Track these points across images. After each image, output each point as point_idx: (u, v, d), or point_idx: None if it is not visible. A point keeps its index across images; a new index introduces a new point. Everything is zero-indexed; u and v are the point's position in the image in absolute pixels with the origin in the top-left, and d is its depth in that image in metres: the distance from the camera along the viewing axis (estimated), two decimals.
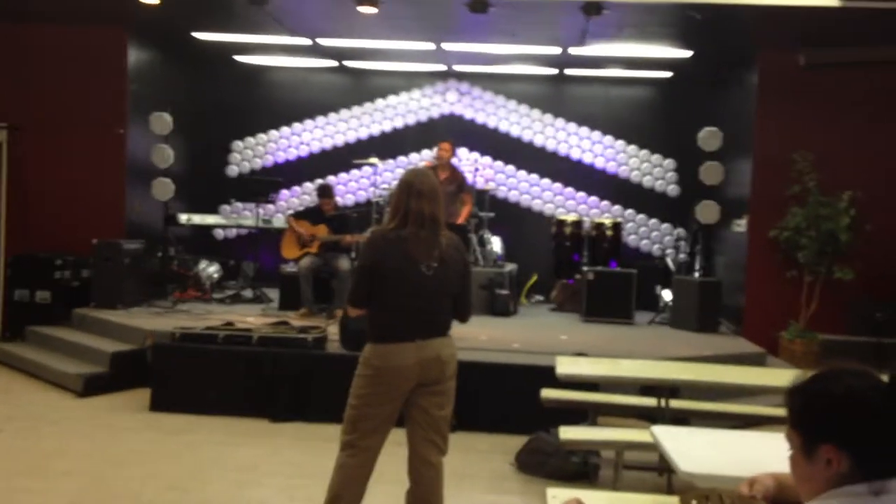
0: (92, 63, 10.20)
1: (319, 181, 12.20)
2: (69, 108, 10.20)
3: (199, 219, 11.42)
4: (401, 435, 4.12)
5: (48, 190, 10.18)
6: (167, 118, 10.15)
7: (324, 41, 10.63)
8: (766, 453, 2.68)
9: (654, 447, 4.31)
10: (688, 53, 10.26)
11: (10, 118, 10.09)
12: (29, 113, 10.15)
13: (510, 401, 6.89)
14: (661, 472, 5.60)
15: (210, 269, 10.72)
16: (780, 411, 6.15)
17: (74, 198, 10.15)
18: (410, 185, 4.09)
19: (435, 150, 10.43)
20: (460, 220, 10.03)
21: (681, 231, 11.72)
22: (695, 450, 3.50)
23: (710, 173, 9.66)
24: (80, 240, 9.62)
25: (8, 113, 10.10)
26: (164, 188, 10.21)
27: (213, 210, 12.35)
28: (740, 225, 10.04)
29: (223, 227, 12.37)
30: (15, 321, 9.40)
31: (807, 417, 1.92)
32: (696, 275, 10.09)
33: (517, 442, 6.21)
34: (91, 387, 7.67)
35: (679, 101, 11.89)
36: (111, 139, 10.20)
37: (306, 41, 10.62)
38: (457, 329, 4.21)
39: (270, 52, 11.67)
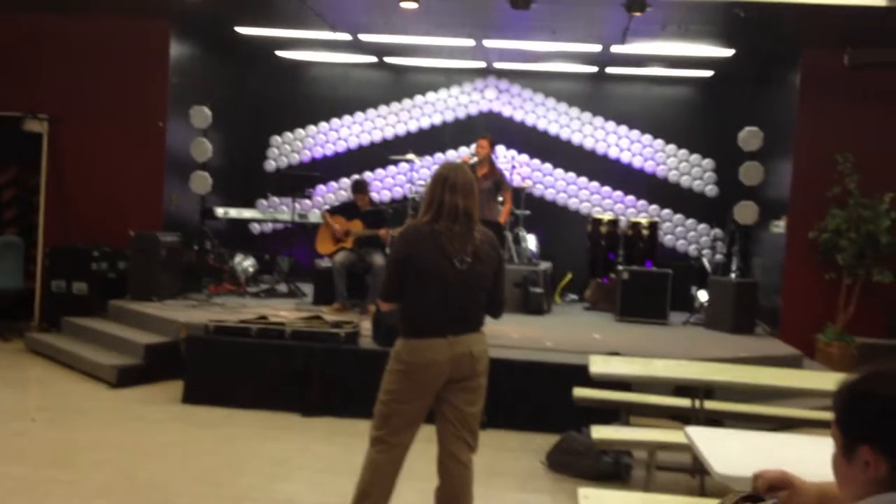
0: (134, 55, 10.27)
1: (356, 177, 12.23)
2: (110, 100, 10.28)
3: (235, 213, 11.50)
4: (431, 431, 4.10)
5: (87, 181, 10.27)
6: (207, 112, 10.21)
7: (364, 37, 10.63)
8: (803, 456, 2.62)
9: (687, 448, 4.26)
10: (729, 52, 10.13)
11: (51, 109, 10.22)
12: (70, 104, 10.26)
13: (542, 399, 6.85)
14: (694, 473, 5.53)
15: (245, 263, 10.76)
16: (817, 414, 6.09)
17: (113, 190, 10.23)
18: (445, 178, 4.04)
19: (473, 146, 10.40)
20: (502, 219, 10.01)
21: (718, 232, 11.58)
22: (730, 452, 3.43)
23: (750, 174, 9.54)
24: (118, 232, 9.72)
25: (49, 104, 10.22)
26: (202, 182, 10.27)
27: (249, 204, 12.41)
28: (779, 226, 9.90)
29: (259, 221, 12.43)
30: (51, 312, 9.52)
31: (848, 417, 1.87)
32: (733, 276, 9.96)
33: (548, 440, 6.17)
34: (124, 378, 7.72)
35: (719, 101, 11.76)
36: (151, 132, 10.27)
37: (347, 37, 10.62)
38: (489, 326, 4.17)
39: (311, 47, 11.70)
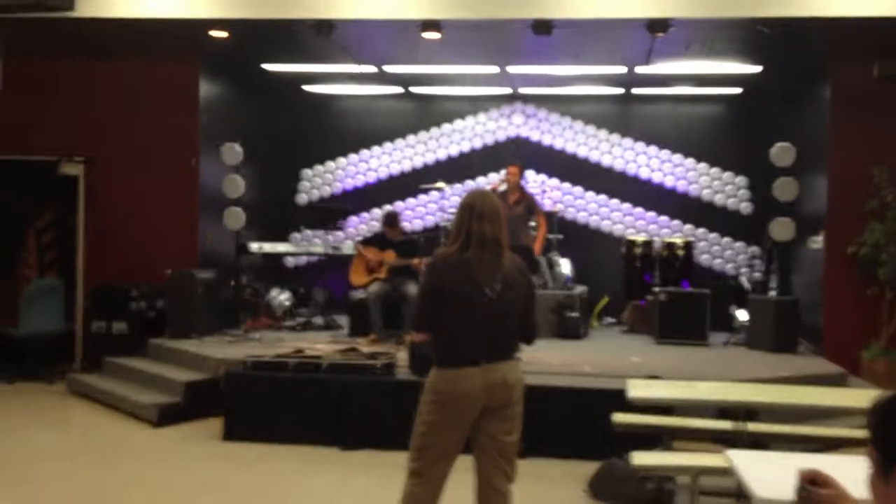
0: (165, 96, 10.40)
1: (388, 207, 12.28)
2: (143, 140, 10.40)
3: (269, 247, 11.55)
4: (469, 462, 4.06)
5: (123, 221, 10.38)
6: (238, 148, 10.29)
7: (389, 68, 10.71)
8: (848, 477, 2.56)
9: (731, 472, 4.18)
10: (757, 68, 10.07)
11: (86, 151, 10.35)
12: (104, 146, 10.39)
13: (581, 426, 6.77)
14: (739, 498, 5.42)
15: (281, 297, 10.80)
16: (862, 433, 5.92)
17: (149, 229, 10.33)
18: (472, 206, 4.05)
19: (503, 172, 10.41)
20: (537, 245, 10.00)
21: (755, 249, 11.44)
22: (773, 475, 3.37)
23: (784, 189, 9.44)
24: (156, 270, 9.79)
25: (85, 146, 10.36)
26: (235, 218, 10.33)
27: (283, 238, 12.46)
28: (817, 242, 9.76)
29: (293, 254, 12.46)
30: (93, 352, 9.61)
31: (883, 436, 1.85)
32: (772, 294, 9.82)
33: (589, 468, 6.09)
34: (165, 417, 7.76)
35: (750, 117, 11.66)
36: (184, 170, 10.37)
37: (372, 69, 10.71)
38: (527, 353, 4.15)
39: (337, 80, 11.80)
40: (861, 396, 5.22)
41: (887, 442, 1.85)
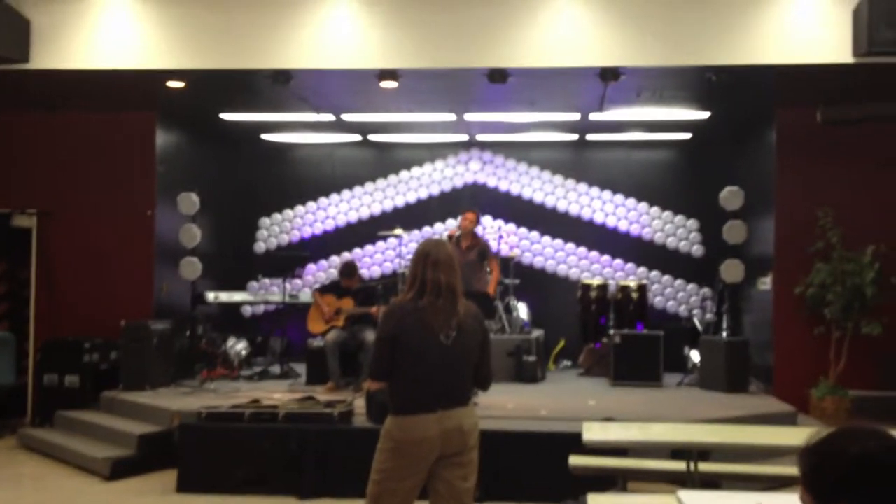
0: (120, 148, 10.39)
1: (346, 254, 12.31)
2: (98, 192, 10.37)
3: (226, 296, 11.49)
4: None
5: (77, 273, 10.31)
6: (194, 198, 10.27)
7: (347, 116, 10.80)
8: None
9: None
10: (705, 114, 10.31)
11: (39, 204, 10.28)
12: (58, 198, 10.34)
13: (538, 469, 6.79)
14: None
15: (238, 347, 10.74)
16: None
17: (103, 281, 10.26)
18: (426, 255, 4.11)
19: (459, 219, 10.50)
20: (491, 289, 10.05)
21: (706, 291, 11.63)
22: None
23: (733, 232, 9.64)
24: (110, 322, 9.67)
25: (37, 198, 10.30)
26: (191, 268, 10.28)
27: (241, 287, 12.40)
28: (765, 283, 9.96)
29: (250, 303, 12.40)
30: (44, 406, 9.43)
31: (819, 478, 1.90)
32: (724, 334, 9.99)
33: None
34: (118, 470, 7.64)
35: (699, 162, 11.93)
36: (140, 221, 10.33)
37: (330, 117, 10.79)
38: (484, 398, 4.19)
39: (295, 129, 11.86)
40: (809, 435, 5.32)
41: (820, 483, 1.90)
